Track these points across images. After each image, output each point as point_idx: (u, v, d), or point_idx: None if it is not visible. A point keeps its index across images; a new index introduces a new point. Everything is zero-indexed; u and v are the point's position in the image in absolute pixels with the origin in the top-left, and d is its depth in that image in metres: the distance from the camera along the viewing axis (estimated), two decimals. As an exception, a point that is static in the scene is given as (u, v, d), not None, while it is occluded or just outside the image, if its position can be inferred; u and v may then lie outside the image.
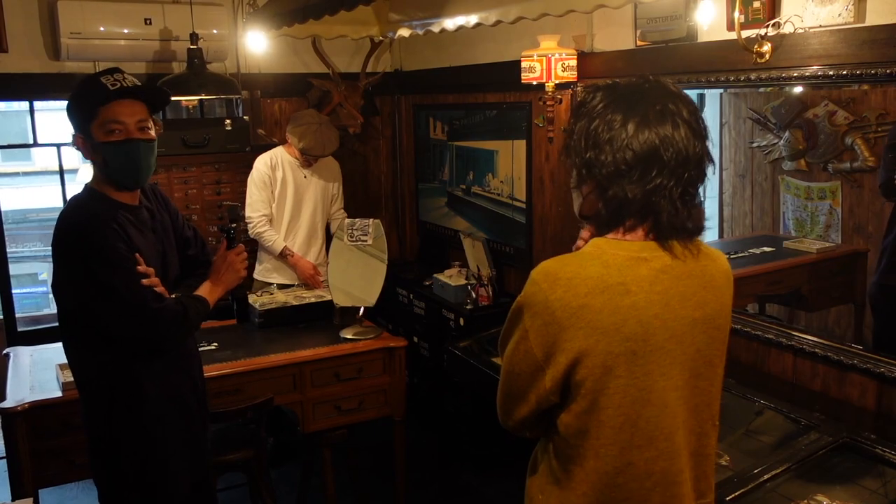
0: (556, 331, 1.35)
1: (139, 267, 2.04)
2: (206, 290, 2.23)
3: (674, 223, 1.36)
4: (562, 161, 3.66)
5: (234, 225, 2.34)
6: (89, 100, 2.00)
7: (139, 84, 2.04)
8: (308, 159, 4.02)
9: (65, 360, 2.84)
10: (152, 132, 2.07)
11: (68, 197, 4.33)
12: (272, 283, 4.03)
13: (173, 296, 2.17)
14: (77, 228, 2.01)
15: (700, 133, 1.37)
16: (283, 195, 4.05)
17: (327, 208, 4.23)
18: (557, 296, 1.34)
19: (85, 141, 2.04)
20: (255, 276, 4.15)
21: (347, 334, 3.34)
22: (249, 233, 4.07)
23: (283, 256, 4.03)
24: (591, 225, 1.44)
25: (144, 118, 2.05)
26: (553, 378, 1.38)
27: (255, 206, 4.00)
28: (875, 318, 2.50)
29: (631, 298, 1.34)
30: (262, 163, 4.03)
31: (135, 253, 2.04)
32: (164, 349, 2.14)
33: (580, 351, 1.34)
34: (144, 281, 2.04)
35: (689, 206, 1.37)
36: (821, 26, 2.34)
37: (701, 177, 1.39)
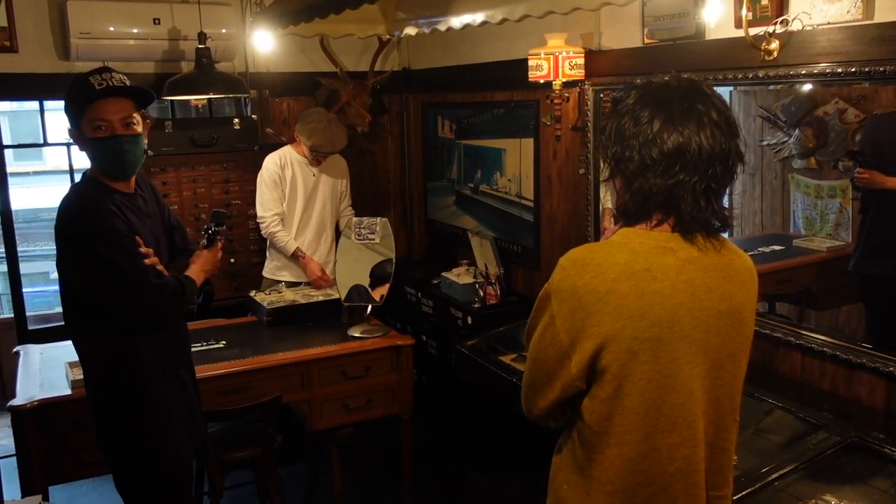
0: (583, 316, 1.37)
1: (140, 249, 2.18)
2: (192, 273, 2.39)
3: (696, 217, 1.39)
4: (575, 158, 3.66)
5: (216, 228, 2.50)
6: (78, 98, 2.15)
7: (125, 83, 2.17)
8: (317, 157, 4.03)
9: (74, 359, 2.87)
10: (137, 127, 2.21)
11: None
12: (281, 282, 4.04)
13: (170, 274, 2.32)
14: (79, 211, 2.16)
15: (727, 132, 1.40)
16: (293, 194, 4.06)
17: (336, 206, 4.24)
18: (585, 281, 1.37)
19: (76, 135, 2.21)
20: (265, 273, 4.17)
21: (355, 332, 3.35)
22: (262, 232, 4.09)
23: (295, 257, 4.04)
24: (621, 218, 1.48)
25: (129, 114, 2.18)
26: (579, 364, 1.40)
27: (267, 206, 4.02)
28: (865, 308, 2.51)
29: (657, 285, 1.37)
30: (271, 161, 4.04)
31: (135, 235, 2.19)
32: (162, 324, 2.27)
33: (606, 336, 1.37)
34: (146, 261, 2.18)
35: (713, 202, 1.40)
36: (829, 23, 2.33)
37: (727, 174, 1.41)
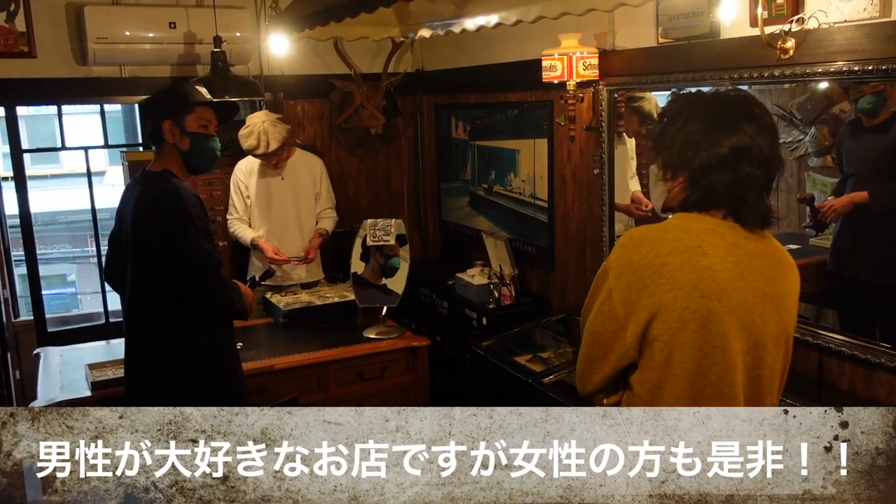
0: (639, 288, 1.49)
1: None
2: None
3: (758, 208, 1.52)
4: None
5: (260, 280, 3.12)
6: (187, 98, 2.54)
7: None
8: (272, 160, 3.97)
9: (93, 360, 2.92)
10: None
11: (95, 198, 4.41)
12: (295, 285, 4.05)
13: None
14: (182, 203, 2.44)
15: (777, 134, 1.56)
16: (259, 198, 4.06)
17: (311, 207, 4.17)
18: (641, 255, 1.50)
19: (174, 128, 2.51)
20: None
21: (370, 334, 3.36)
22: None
23: (255, 247, 4.03)
24: (679, 211, 1.60)
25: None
26: (633, 334, 1.51)
27: (230, 210, 4.11)
28: None
29: (708, 260, 1.48)
30: (237, 168, 4.09)
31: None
32: (214, 311, 2.57)
33: (659, 305, 1.47)
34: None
35: (769, 196, 1.54)
36: (845, 21, 2.32)
37: (777, 171, 1.55)
